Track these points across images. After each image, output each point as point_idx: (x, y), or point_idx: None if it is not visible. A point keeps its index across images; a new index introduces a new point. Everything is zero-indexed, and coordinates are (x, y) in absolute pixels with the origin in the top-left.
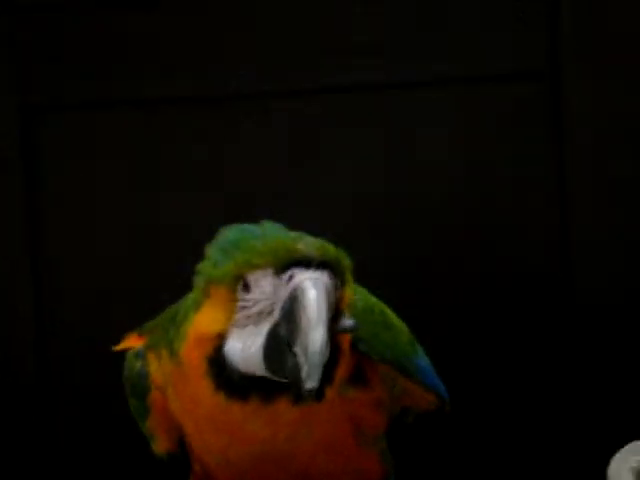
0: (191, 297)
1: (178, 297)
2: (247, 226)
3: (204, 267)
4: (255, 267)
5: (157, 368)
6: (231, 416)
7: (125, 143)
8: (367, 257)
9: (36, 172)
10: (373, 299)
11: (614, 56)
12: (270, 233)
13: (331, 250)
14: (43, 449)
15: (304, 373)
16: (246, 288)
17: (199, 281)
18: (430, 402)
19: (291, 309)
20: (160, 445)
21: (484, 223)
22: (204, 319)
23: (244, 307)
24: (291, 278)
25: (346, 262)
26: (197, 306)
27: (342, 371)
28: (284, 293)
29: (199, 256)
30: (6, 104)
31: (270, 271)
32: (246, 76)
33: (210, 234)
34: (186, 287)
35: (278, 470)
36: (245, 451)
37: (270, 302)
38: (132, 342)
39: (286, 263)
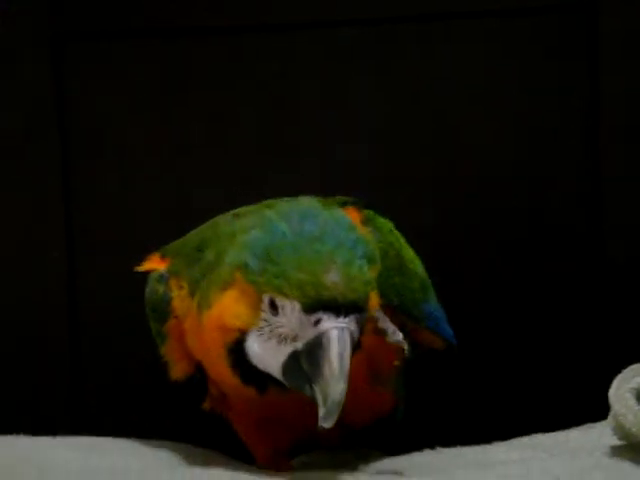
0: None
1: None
2: (280, 225)
3: (233, 254)
4: (284, 296)
5: (177, 296)
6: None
7: (157, 72)
8: (398, 203)
9: (68, 101)
10: (392, 237)
11: None
12: (301, 244)
13: (358, 285)
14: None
15: (321, 413)
16: (273, 307)
17: (229, 259)
18: (437, 343)
19: (315, 353)
20: (177, 371)
21: (514, 172)
22: (229, 308)
23: (268, 323)
24: (318, 321)
25: (369, 288)
26: (224, 285)
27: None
28: (310, 333)
29: (226, 188)
30: (38, 33)
31: (298, 306)
32: (271, 7)
33: (238, 164)
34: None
35: (293, 402)
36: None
37: (295, 333)
38: (155, 264)
39: (314, 304)
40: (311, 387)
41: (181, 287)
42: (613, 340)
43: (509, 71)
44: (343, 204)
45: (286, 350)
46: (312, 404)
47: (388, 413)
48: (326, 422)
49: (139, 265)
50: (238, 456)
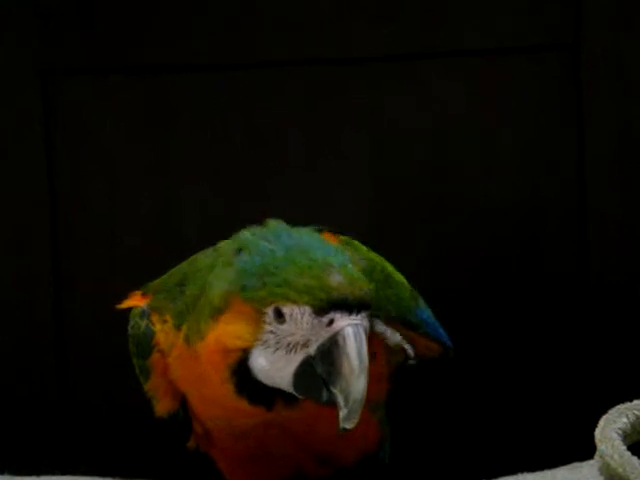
0: (206, 291)
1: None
2: (265, 245)
3: (221, 282)
4: (292, 302)
5: (160, 331)
6: (247, 410)
7: (142, 108)
8: (387, 226)
9: (56, 136)
10: (373, 256)
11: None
12: (294, 256)
13: (362, 283)
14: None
15: (342, 414)
16: (279, 317)
17: (217, 288)
18: (433, 350)
19: (331, 353)
20: (161, 407)
21: (500, 199)
22: (228, 331)
23: (275, 333)
24: (331, 322)
25: (371, 285)
26: (215, 313)
27: None
28: (323, 334)
29: (216, 222)
30: (27, 68)
31: (308, 310)
32: (263, 44)
33: (223, 193)
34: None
35: (280, 433)
36: (249, 421)
37: (306, 338)
38: (136, 301)
39: (325, 306)
40: (329, 391)
41: (165, 321)
42: (602, 377)
43: (497, 108)
44: (318, 231)
45: (297, 358)
46: (311, 422)
47: (374, 450)
48: (348, 423)
49: (121, 302)
50: None
